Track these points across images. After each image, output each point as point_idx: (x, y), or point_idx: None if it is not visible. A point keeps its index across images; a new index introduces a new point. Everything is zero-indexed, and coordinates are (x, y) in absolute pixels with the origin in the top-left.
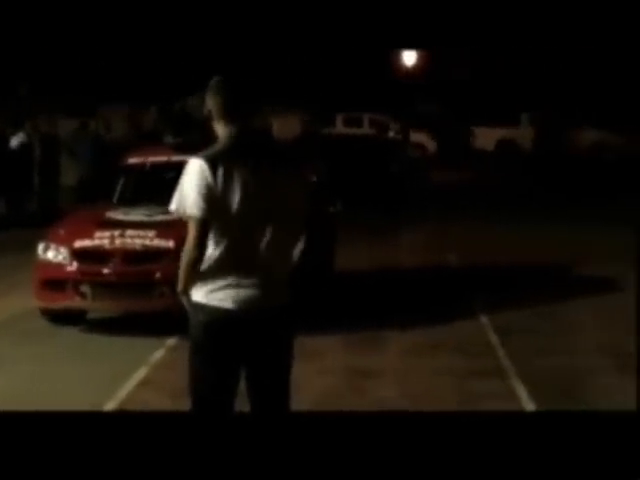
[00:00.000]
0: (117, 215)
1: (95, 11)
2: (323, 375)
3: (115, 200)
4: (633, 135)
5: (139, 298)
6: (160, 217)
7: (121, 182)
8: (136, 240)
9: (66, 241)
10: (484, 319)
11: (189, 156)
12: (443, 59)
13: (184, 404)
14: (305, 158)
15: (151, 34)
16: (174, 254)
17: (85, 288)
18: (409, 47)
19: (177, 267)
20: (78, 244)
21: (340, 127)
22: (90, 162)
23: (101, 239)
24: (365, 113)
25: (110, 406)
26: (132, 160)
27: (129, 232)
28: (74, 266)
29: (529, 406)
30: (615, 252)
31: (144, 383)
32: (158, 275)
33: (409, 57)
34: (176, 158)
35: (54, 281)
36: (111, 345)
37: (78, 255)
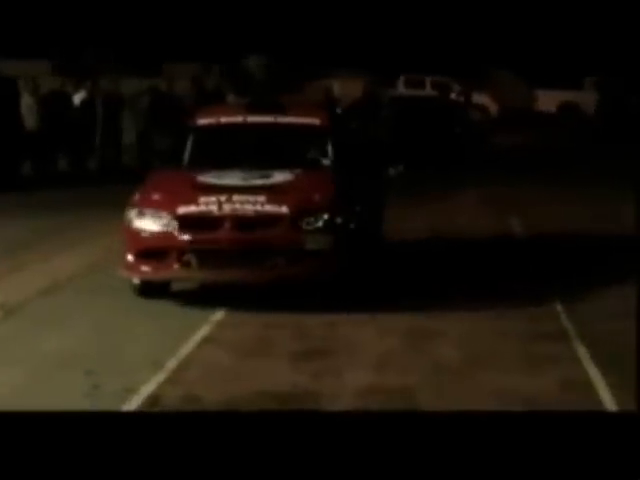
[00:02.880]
0: (210, 179)
1: None
2: (384, 337)
3: (186, 162)
4: None
5: (250, 268)
6: (260, 181)
7: (191, 143)
8: (246, 206)
9: (166, 207)
10: (549, 286)
11: (266, 116)
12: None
13: (243, 362)
14: (368, 120)
15: None
16: (289, 221)
17: (190, 257)
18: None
19: (292, 235)
20: (182, 210)
21: (402, 89)
22: (149, 119)
23: (207, 204)
24: (428, 75)
25: (172, 364)
26: (203, 121)
27: (236, 197)
28: (179, 234)
29: (591, 369)
30: None
31: (206, 340)
32: (273, 244)
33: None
34: (252, 119)
35: (154, 251)
36: (173, 304)
37: (183, 222)
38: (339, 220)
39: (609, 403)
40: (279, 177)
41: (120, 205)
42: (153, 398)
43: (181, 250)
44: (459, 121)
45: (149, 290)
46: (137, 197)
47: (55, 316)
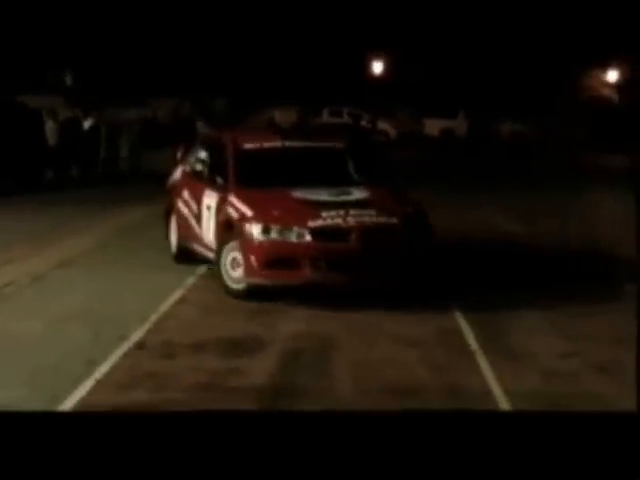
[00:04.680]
0: (306, 195)
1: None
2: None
3: (237, 180)
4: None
5: (372, 272)
6: (346, 197)
7: (239, 164)
8: (365, 218)
9: (295, 221)
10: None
11: (299, 142)
12: (402, 68)
13: (208, 317)
14: None
15: (182, 43)
16: (399, 229)
17: (321, 263)
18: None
19: (405, 241)
20: (313, 223)
21: (326, 117)
22: (140, 139)
23: (332, 218)
24: (345, 107)
25: (154, 318)
26: (248, 145)
27: (352, 211)
28: (312, 243)
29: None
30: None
31: (181, 300)
32: (391, 250)
33: (377, 66)
34: (290, 143)
35: (286, 259)
36: (154, 272)
37: (315, 233)
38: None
39: (473, 344)
40: (358, 193)
41: (118, 200)
42: (140, 342)
43: (313, 258)
44: (367, 141)
45: (254, 294)
46: (251, 213)
47: (69, 282)
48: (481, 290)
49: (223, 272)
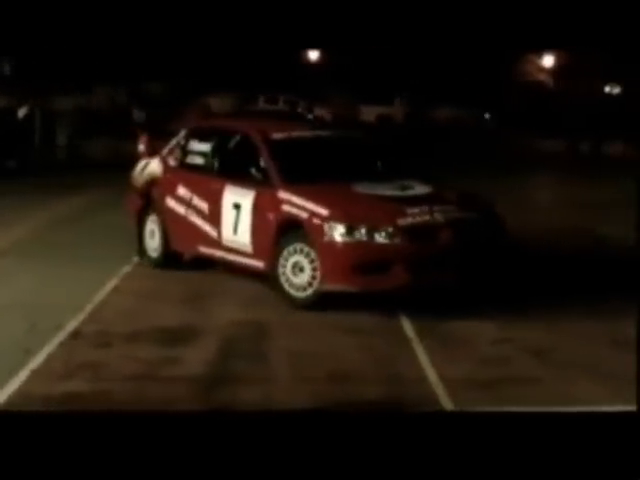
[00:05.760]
0: (372, 190)
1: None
2: (248, 281)
3: (285, 175)
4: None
5: (464, 270)
6: (413, 192)
7: (278, 157)
8: (449, 214)
9: (381, 220)
10: None
11: (329, 132)
12: (337, 54)
13: (143, 305)
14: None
15: (119, 28)
16: (482, 225)
17: (414, 265)
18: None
19: (489, 235)
20: (403, 222)
21: (262, 104)
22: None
23: (420, 215)
24: (281, 94)
25: (89, 307)
26: (277, 136)
27: (436, 207)
28: (404, 243)
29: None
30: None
31: (115, 289)
32: (481, 245)
33: (313, 54)
34: (321, 133)
35: (377, 262)
36: (90, 262)
37: (407, 232)
38: None
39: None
40: (420, 187)
41: (53, 189)
42: (76, 332)
43: (406, 259)
44: None
45: (323, 302)
46: (327, 212)
47: (3, 273)
48: None
49: (282, 280)
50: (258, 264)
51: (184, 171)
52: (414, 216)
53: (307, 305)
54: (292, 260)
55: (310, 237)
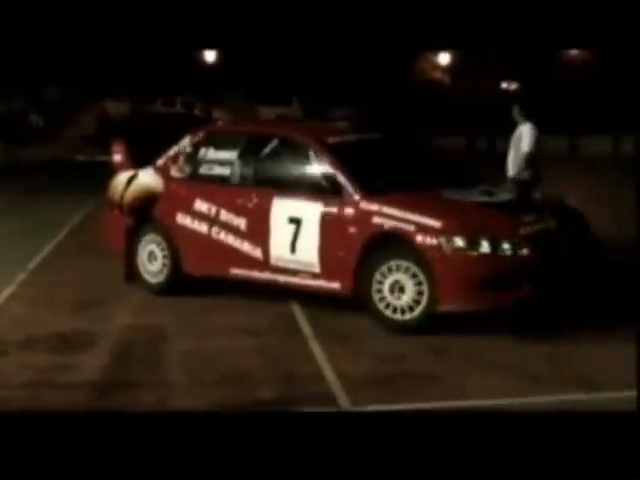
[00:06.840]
0: (468, 197)
1: None
2: (139, 292)
3: (363, 184)
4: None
5: (578, 281)
6: (506, 197)
7: (347, 164)
8: (550, 222)
9: (505, 230)
10: None
11: (370, 135)
12: (237, 57)
13: (38, 312)
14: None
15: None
16: (582, 231)
17: (540, 278)
18: (209, 47)
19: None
20: (525, 231)
21: (159, 107)
22: None
23: (535, 223)
24: (178, 96)
25: None
26: (333, 140)
27: (543, 215)
28: (530, 255)
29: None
30: None
31: (12, 297)
32: (587, 254)
33: (210, 55)
34: (373, 136)
35: (505, 276)
36: None
37: (530, 242)
38: None
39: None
40: (502, 193)
41: None
42: None
43: (533, 272)
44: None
45: (432, 325)
46: (440, 224)
47: None
48: None
49: (376, 302)
50: (331, 285)
51: (199, 183)
52: (532, 224)
53: (413, 329)
54: (390, 279)
55: (417, 252)
